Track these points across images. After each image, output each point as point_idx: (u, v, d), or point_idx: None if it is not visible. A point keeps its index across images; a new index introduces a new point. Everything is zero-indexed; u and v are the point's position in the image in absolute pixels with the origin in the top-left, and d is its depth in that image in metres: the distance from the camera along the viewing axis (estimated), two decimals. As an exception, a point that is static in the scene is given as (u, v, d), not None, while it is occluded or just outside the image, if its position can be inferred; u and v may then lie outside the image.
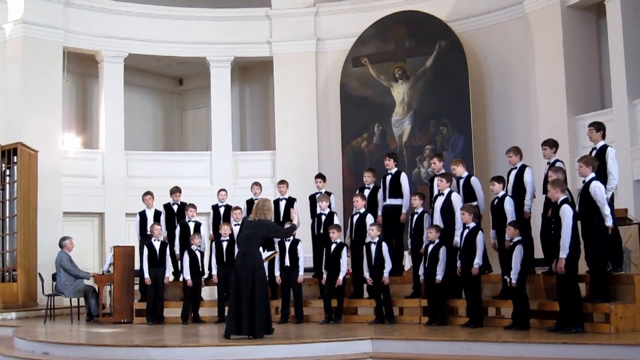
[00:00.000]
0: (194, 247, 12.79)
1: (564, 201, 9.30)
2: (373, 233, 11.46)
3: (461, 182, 11.51)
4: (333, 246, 11.81)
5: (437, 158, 12.18)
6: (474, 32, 17.33)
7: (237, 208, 13.47)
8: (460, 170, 11.57)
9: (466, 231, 10.51)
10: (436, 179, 11.80)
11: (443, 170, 11.94)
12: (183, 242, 13.22)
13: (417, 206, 11.64)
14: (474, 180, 11.49)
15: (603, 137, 10.12)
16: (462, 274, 10.53)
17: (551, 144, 10.76)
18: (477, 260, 10.31)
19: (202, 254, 12.94)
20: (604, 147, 9.97)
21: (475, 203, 11.16)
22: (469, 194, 11.36)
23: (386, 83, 17.76)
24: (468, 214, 10.51)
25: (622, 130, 13.95)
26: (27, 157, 15.82)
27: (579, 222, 9.47)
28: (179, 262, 13.16)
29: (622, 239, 10.22)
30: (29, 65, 17.16)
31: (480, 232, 10.47)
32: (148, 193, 13.93)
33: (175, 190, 14.06)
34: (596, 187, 9.38)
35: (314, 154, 18.62)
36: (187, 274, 12.67)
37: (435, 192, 11.74)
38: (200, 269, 12.84)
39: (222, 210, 13.82)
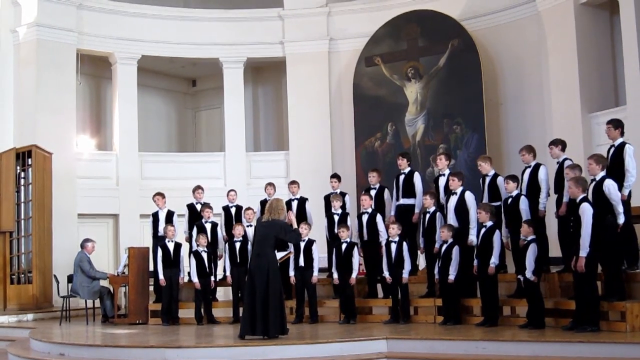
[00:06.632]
0: (200, 249, 12.75)
1: (584, 199, 9.21)
2: (393, 232, 11.43)
3: (487, 179, 11.30)
4: (344, 246, 11.81)
5: (445, 156, 12.08)
6: (487, 30, 17.28)
7: (249, 209, 13.43)
8: (487, 168, 11.34)
9: (483, 230, 10.46)
10: (441, 179, 11.80)
11: (447, 170, 11.89)
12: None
13: (429, 206, 11.56)
14: (500, 180, 11.18)
15: (621, 134, 10.09)
16: (478, 272, 10.50)
17: (557, 143, 10.73)
18: (494, 260, 10.25)
19: (208, 254, 12.85)
20: (622, 145, 9.94)
21: (498, 203, 11.01)
22: (493, 193, 11.20)
23: (399, 82, 17.73)
24: (485, 212, 10.45)
25: (637, 127, 13.82)
26: (41, 159, 15.89)
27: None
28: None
29: (637, 236, 10.18)
30: (42, 67, 17.24)
31: (497, 231, 10.42)
32: (158, 194, 13.90)
33: (197, 189, 13.96)
34: (610, 186, 9.35)
35: (328, 154, 18.62)
36: (194, 277, 12.66)
37: (442, 192, 11.71)
38: (207, 270, 12.78)
39: (233, 210, 13.78)
